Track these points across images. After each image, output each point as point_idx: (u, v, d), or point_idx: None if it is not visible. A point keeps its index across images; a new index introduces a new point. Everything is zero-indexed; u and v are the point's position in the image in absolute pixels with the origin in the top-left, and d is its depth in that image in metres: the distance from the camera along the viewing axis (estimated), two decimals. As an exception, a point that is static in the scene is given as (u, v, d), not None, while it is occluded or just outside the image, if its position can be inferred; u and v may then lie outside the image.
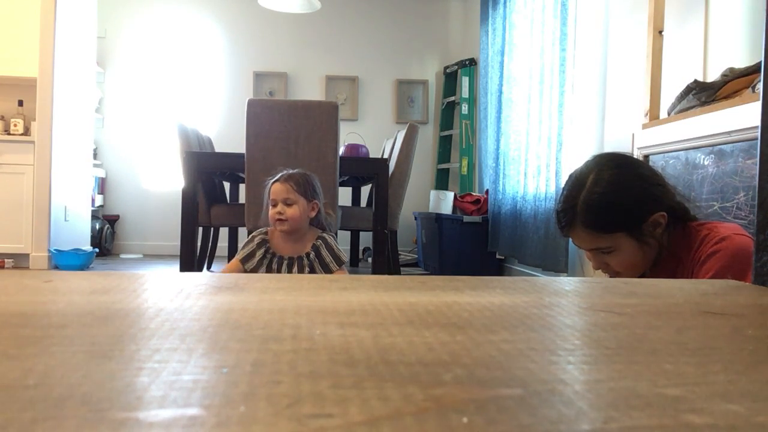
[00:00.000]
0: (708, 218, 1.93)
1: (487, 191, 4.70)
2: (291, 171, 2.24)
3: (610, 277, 1.26)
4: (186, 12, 5.88)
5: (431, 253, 4.76)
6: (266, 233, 2.25)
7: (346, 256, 2.29)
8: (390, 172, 3.70)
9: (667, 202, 1.22)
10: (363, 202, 4.97)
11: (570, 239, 1.30)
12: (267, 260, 2.21)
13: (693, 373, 0.30)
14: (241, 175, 3.35)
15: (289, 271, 2.19)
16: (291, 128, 3.05)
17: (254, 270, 2.20)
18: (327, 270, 2.20)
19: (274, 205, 2.17)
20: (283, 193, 2.16)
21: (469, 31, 5.84)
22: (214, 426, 0.21)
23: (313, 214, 2.21)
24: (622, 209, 1.20)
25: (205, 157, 3.47)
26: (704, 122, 2.07)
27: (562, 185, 1.35)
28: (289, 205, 2.15)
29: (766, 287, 0.63)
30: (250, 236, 2.29)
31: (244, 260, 2.20)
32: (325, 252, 2.21)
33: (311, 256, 2.20)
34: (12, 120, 4.59)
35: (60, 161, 4.57)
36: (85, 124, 5.07)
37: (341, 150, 3.76)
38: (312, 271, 2.20)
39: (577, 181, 1.25)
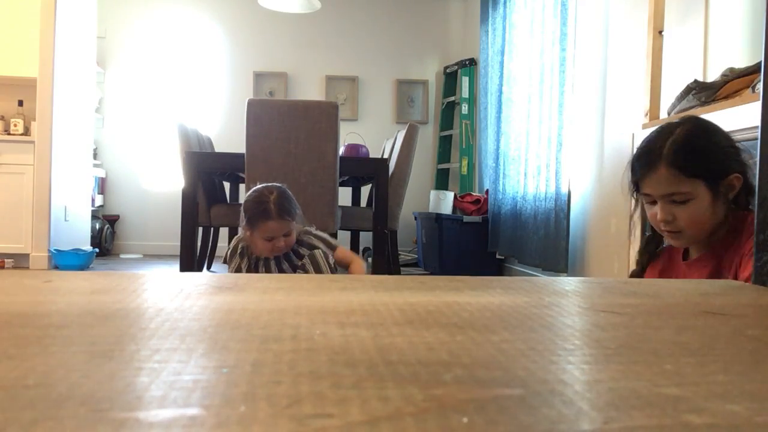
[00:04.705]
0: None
1: (487, 191, 4.70)
2: (274, 197, 2.07)
3: (671, 236, 1.26)
4: (186, 12, 5.88)
5: (431, 253, 4.76)
6: (245, 240, 2.20)
7: (337, 241, 2.23)
8: (390, 172, 3.70)
9: (745, 172, 1.23)
10: (363, 202, 4.97)
11: (633, 196, 1.30)
12: (252, 264, 2.17)
13: (693, 373, 0.30)
14: (241, 175, 3.35)
15: (277, 266, 2.15)
16: (291, 128, 3.05)
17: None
18: (317, 257, 2.14)
19: (270, 239, 2.06)
20: (282, 230, 2.06)
21: (469, 31, 5.84)
22: (214, 426, 0.21)
23: None
24: (710, 155, 1.22)
25: (205, 157, 3.47)
26: (704, 122, 2.06)
27: (563, 185, 1.36)
28: (287, 235, 2.08)
29: (766, 287, 0.63)
30: (233, 248, 2.21)
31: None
32: (316, 241, 2.19)
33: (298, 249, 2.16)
34: (12, 120, 4.58)
35: (60, 161, 4.57)
36: (85, 124, 5.07)
37: (341, 150, 3.76)
38: (302, 260, 2.14)
39: (663, 131, 1.26)
